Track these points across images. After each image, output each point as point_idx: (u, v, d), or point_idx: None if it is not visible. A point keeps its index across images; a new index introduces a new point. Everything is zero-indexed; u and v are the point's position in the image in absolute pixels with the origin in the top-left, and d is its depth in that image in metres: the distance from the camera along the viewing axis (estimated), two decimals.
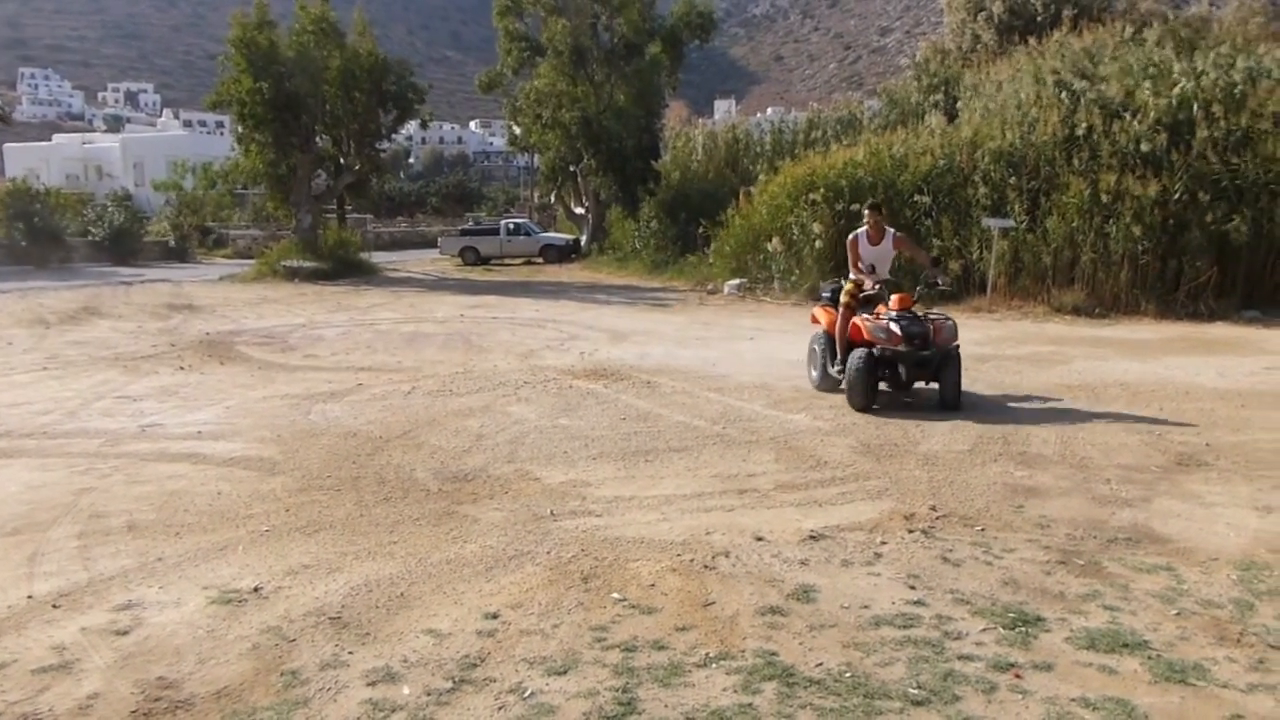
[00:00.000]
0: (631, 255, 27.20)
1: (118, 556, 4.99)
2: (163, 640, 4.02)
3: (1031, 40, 21.64)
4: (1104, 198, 15.32)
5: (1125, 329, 13.95)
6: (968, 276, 16.52)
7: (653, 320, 15.86)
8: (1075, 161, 15.96)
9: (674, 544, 5.10)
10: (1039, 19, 25.40)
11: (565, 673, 3.68)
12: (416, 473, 6.58)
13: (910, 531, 5.27)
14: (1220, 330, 13.70)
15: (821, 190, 18.28)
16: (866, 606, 4.27)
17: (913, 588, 4.48)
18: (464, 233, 34.56)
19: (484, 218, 43.14)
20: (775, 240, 18.80)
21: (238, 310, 17.66)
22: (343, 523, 5.53)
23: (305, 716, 3.41)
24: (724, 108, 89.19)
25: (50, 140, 61.50)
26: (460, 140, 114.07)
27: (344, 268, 25.81)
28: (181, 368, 11.18)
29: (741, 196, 21.41)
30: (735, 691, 3.51)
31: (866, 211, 9.18)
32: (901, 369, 8.44)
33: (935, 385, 8.53)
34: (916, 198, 17.41)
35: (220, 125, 76.95)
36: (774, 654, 3.81)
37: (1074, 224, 15.62)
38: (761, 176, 21.99)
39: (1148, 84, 16.39)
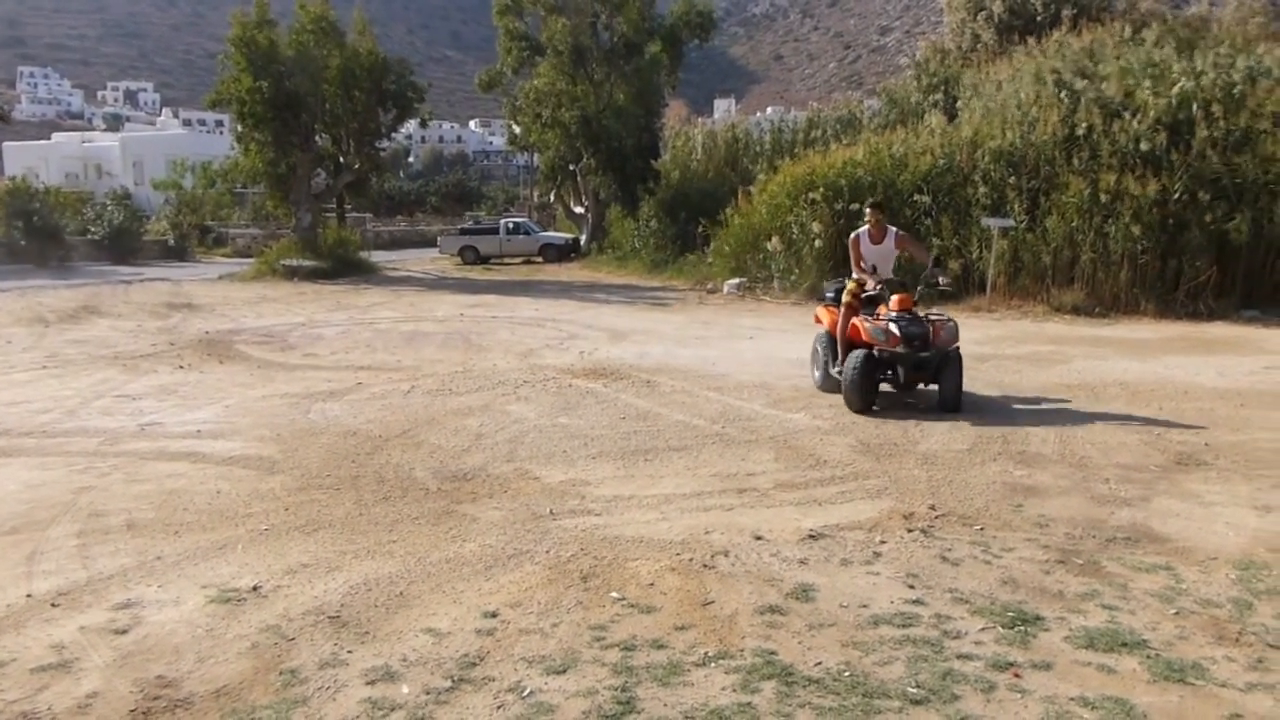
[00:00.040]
0: (631, 254, 27.20)
1: (117, 555, 4.99)
2: (162, 639, 4.02)
3: (1031, 40, 21.65)
4: (1103, 197, 15.32)
5: (1125, 328, 13.95)
6: (967, 276, 16.51)
7: (652, 319, 15.86)
8: (1075, 161, 15.97)
9: (673, 543, 5.10)
10: (1039, 19, 25.38)
11: (564, 672, 3.68)
12: (416, 472, 6.58)
13: (909, 531, 5.27)
14: (1220, 330, 13.70)
15: (821, 190, 18.29)
16: (865, 606, 4.27)
17: (912, 587, 4.48)
18: (463, 232, 34.55)
19: (483, 217, 43.13)
20: (775, 239, 18.80)
21: (237, 309, 17.66)
22: (342, 522, 5.53)
23: (304, 715, 3.41)
24: (723, 107, 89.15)
25: (50, 139, 61.44)
26: (460, 139, 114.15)
27: (343, 267, 25.80)
28: (181, 366, 11.17)
29: (741, 196, 21.40)
30: (734, 690, 3.51)
31: (868, 210, 9.03)
32: (900, 370, 8.38)
33: (936, 387, 8.47)
34: (916, 197, 17.42)
35: (220, 124, 77.01)
36: (773, 653, 3.81)
37: (1073, 223, 15.63)
38: (761, 176, 21.99)
39: (1147, 84, 16.40)
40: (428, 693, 3.54)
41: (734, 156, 27.93)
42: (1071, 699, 3.44)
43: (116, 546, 5.12)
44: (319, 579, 4.65)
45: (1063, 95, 16.98)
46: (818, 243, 17.92)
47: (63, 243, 29.14)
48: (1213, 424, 7.76)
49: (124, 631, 4.09)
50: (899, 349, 8.20)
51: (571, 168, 31.41)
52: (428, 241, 38.97)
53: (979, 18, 26.95)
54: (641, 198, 27.64)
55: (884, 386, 8.57)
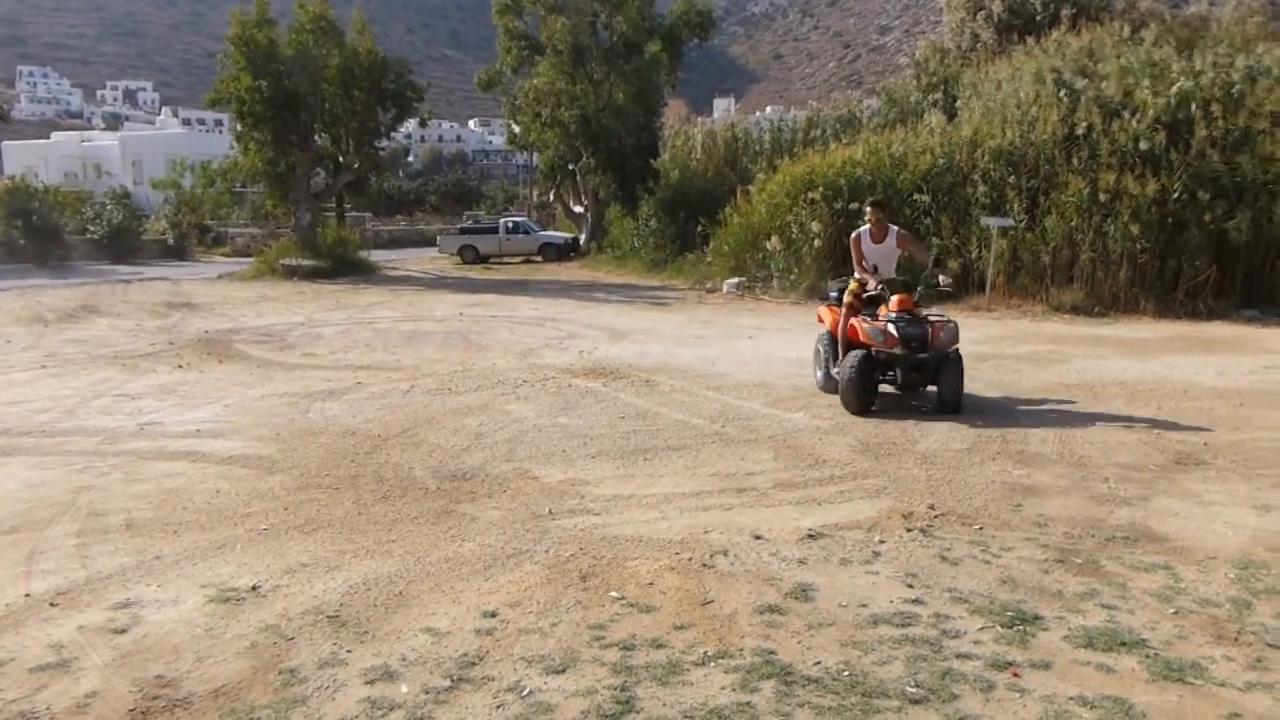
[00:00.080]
0: (630, 254, 27.19)
1: (116, 555, 4.98)
2: (161, 639, 4.01)
3: (1030, 39, 21.66)
4: (1103, 197, 15.33)
5: (1124, 328, 13.95)
6: (967, 275, 16.50)
7: (651, 319, 15.86)
8: (1074, 160, 15.98)
9: (672, 542, 5.10)
10: (1038, 18, 25.39)
11: (564, 671, 3.68)
12: (415, 471, 6.58)
13: (908, 530, 5.27)
14: (1219, 329, 13.71)
15: (820, 189, 18.29)
16: (865, 605, 4.27)
17: (911, 586, 4.48)
18: (463, 231, 34.55)
19: (483, 216, 43.12)
20: (774, 239, 18.80)
21: (236, 308, 17.65)
22: (341, 521, 5.53)
23: (303, 715, 3.40)
24: (723, 106, 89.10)
25: (49, 138, 61.39)
26: (459, 139, 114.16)
27: (343, 266, 25.79)
28: (180, 366, 11.17)
29: (740, 195, 21.41)
30: (733, 690, 3.51)
31: (868, 209, 8.91)
32: (898, 372, 8.32)
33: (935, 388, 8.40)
34: (916, 197, 17.43)
35: (219, 123, 76.98)
36: (772, 652, 3.81)
37: (1073, 223, 15.64)
38: (760, 175, 21.99)
39: (1147, 83, 16.40)
40: (427, 692, 3.54)
41: (733, 156, 27.94)
42: (1070, 698, 3.44)
43: (115, 546, 5.11)
44: (318, 578, 4.64)
45: (1062, 95, 16.98)
46: (817, 242, 17.92)
47: (62, 242, 29.13)
48: (1212, 423, 7.76)
49: (123, 631, 4.09)
50: (897, 350, 8.14)
51: (571, 167, 31.41)
52: (427, 241, 38.96)
53: (978, 17, 26.96)
54: (641, 197, 27.64)
55: (885, 387, 8.53)
